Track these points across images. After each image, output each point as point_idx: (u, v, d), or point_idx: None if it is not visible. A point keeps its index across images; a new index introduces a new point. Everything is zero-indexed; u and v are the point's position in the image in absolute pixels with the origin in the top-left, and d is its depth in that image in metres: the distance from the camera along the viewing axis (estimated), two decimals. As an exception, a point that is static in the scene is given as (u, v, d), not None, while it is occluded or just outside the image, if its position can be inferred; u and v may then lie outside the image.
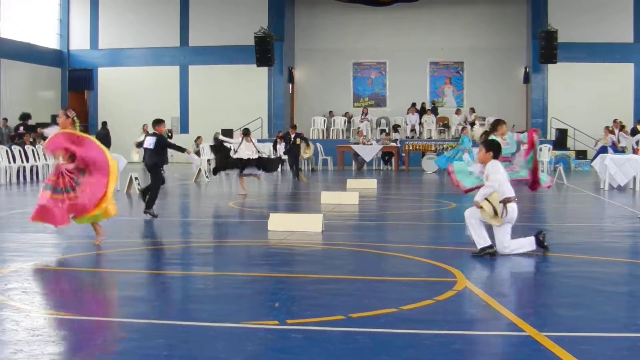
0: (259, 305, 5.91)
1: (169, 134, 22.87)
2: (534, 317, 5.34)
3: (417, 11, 30.05)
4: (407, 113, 29.27)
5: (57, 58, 31.54)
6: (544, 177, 11.82)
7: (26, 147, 20.00)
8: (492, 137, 9.85)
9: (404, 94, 30.37)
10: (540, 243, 7.84)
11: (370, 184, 17.38)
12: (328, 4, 29.82)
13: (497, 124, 11.34)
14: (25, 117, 23.46)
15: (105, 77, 31.76)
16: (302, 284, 6.70)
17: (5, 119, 24.04)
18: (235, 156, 15.66)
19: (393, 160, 25.91)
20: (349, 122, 29.93)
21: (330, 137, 29.35)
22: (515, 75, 30.27)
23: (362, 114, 29.46)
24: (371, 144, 25.69)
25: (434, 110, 29.58)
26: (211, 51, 30.46)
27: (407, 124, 29.21)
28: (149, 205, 11.23)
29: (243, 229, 10.96)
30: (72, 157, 8.21)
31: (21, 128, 22.61)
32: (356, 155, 25.75)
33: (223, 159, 15.68)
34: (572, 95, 28.23)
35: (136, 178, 15.99)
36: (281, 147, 23.64)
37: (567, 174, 21.21)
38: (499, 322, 5.33)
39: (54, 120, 15.60)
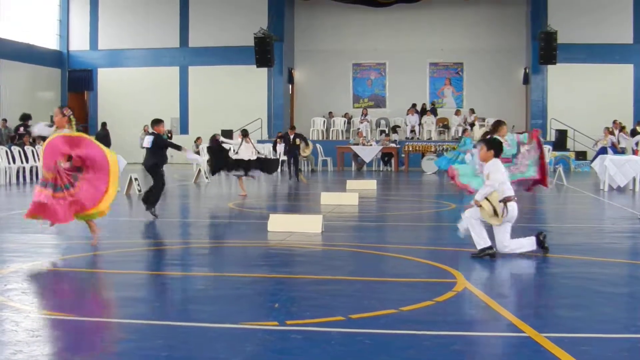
0: (258, 306, 5.90)
1: (169, 135, 22.89)
2: (534, 318, 5.34)
3: (416, 12, 30.08)
4: (407, 114, 29.28)
5: (56, 59, 31.55)
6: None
7: (26, 147, 19.99)
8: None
9: (403, 94, 30.39)
10: (540, 244, 7.83)
11: (370, 185, 17.38)
12: (328, 5, 29.84)
13: (497, 125, 11.37)
14: (25, 118, 23.44)
15: (105, 77, 31.77)
16: (302, 284, 6.70)
17: (5, 120, 24.03)
18: (235, 157, 15.66)
19: (393, 161, 25.91)
20: (349, 123, 29.94)
21: (330, 138, 29.35)
22: (514, 76, 30.29)
23: (361, 115, 29.47)
24: (371, 145, 25.69)
25: (434, 111, 29.60)
26: (211, 52, 30.48)
27: (407, 125, 29.22)
28: (152, 204, 11.30)
29: (243, 230, 10.95)
30: (69, 157, 8.20)
31: (21, 129, 22.60)
32: (356, 156, 25.75)
33: (220, 160, 15.65)
34: (571, 96, 28.25)
35: (136, 179, 15.98)
36: (281, 148, 23.66)
37: (567, 174, 21.21)
38: (498, 323, 5.33)
39: (53, 121, 15.52)
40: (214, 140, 15.56)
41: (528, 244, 7.84)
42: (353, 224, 11.53)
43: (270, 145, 24.93)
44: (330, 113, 30.41)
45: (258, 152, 16.26)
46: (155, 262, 8.26)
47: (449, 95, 30.96)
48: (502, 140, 9.79)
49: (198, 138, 26.34)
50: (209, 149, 16.10)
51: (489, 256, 7.68)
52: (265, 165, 16.10)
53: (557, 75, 28.17)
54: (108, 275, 7.26)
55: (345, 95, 31.40)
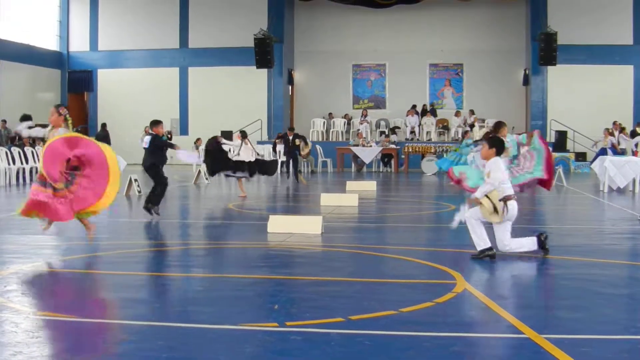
0: (258, 307, 5.90)
1: (169, 136, 22.87)
2: (534, 320, 5.33)
3: (416, 13, 30.09)
4: (407, 115, 29.28)
5: (56, 60, 31.54)
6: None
7: (25, 148, 19.99)
8: None
9: (403, 95, 30.39)
10: (541, 245, 7.83)
11: (369, 186, 17.38)
12: (327, 6, 29.84)
13: (498, 126, 11.39)
14: (25, 118, 23.40)
15: (105, 78, 31.77)
16: (302, 286, 6.70)
17: (4, 121, 24.03)
18: (236, 159, 15.65)
19: (392, 162, 25.91)
20: (349, 124, 29.93)
21: (330, 139, 29.34)
22: (514, 77, 30.29)
23: (361, 116, 29.47)
24: (371, 146, 25.69)
25: (433, 112, 29.59)
26: (211, 53, 30.48)
27: (406, 126, 29.22)
28: (156, 202, 11.40)
29: (242, 231, 10.95)
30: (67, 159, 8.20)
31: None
32: (356, 157, 25.75)
33: (219, 162, 15.61)
34: (571, 97, 28.24)
35: (136, 180, 15.98)
36: (280, 149, 23.68)
37: (567, 176, 21.21)
38: (498, 324, 5.33)
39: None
40: (214, 141, 15.52)
41: (529, 244, 7.84)
42: (353, 225, 11.53)
43: (270, 147, 24.94)
44: (330, 114, 30.41)
45: (257, 154, 16.26)
46: (155, 263, 8.26)
47: (448, 96, 30.96)
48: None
49: (198, 139, 26.30)
50: (207, 151, 16.08)
51: (488, 257, 7.67)
52: (264, 167, 16.10)
53: (557, 76, 28.16)
54: (108, 277, 7.25)
55: (345, 96, 31.40)
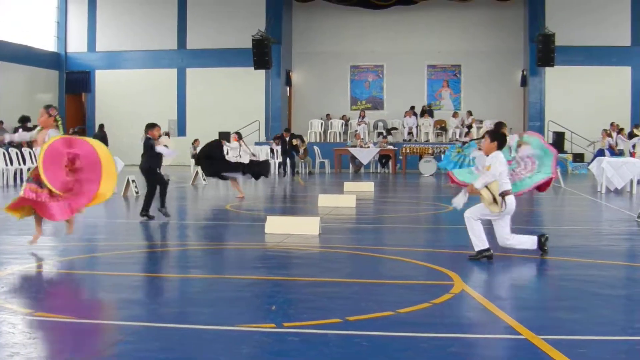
0: (255, 308, 5.89)
1: (167, 137, 22.90)
2: (531, 321, 5.33)
3: (414, 14, 30.11)
4: (405, 116, 29.29)
5: (54, 60, 31.52)
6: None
7: (23, 149, 19.96)
8: None
9: (401, 97, 30.41)
10: (541, 246, 7.84)
11: (367, 187, 17.38)
12: (325, 7, 29.86)
13: (499, 127, 11.41)
14: (24, 120, 23.42)
15: (103, 79, 31.75)
16: (299, 286, 6.69)
17: (1, 122, 24.01)
18: (235, 160, 15.64)
19: (390, 163, 25.91)
20: (347, 125, 29.94)
21: (328, 140, 29.35)
22: (512, 79, 30.32)
23: (359, 117, 29.48)
24: (368, 147, 25.69)
25: (430, 113, 29.61)
26: (209, 54, 30.47)
27: (404, 127, 29.23)
28: (162, 203, 11.46)
29: (240, 232, 10.95)
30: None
31: (20, 131, 22.59)
32: (353, 158, 25.75)
33: (218, 163, 15.60)
34: (569, 99, 28.27)
35: (133, 181, 15.97)
36: (278, 150, 23.69)
37: (564, 177, 21.22)
38: (496, 325, 5.32)
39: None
40: (218, 144, 15.58)
41: (529, 242, 7.85)
42: (350, 226, 11.53)
43: (268, 148, 24.94)
44: (327, 115, 30.42)
45: (253, 155, 16.25)
46: (153, 264, 8.25)
47: (446, 97, 30.98)
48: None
49: (195, 140, 26.31)
50: (204, 153, 16.02)
51: (486, 258, 7.67)
52: (257, 168, 16.06)
53: (555, 77, 28.20)
54: (105, 277, 7.24)
55: (343, 98, 31.41)
